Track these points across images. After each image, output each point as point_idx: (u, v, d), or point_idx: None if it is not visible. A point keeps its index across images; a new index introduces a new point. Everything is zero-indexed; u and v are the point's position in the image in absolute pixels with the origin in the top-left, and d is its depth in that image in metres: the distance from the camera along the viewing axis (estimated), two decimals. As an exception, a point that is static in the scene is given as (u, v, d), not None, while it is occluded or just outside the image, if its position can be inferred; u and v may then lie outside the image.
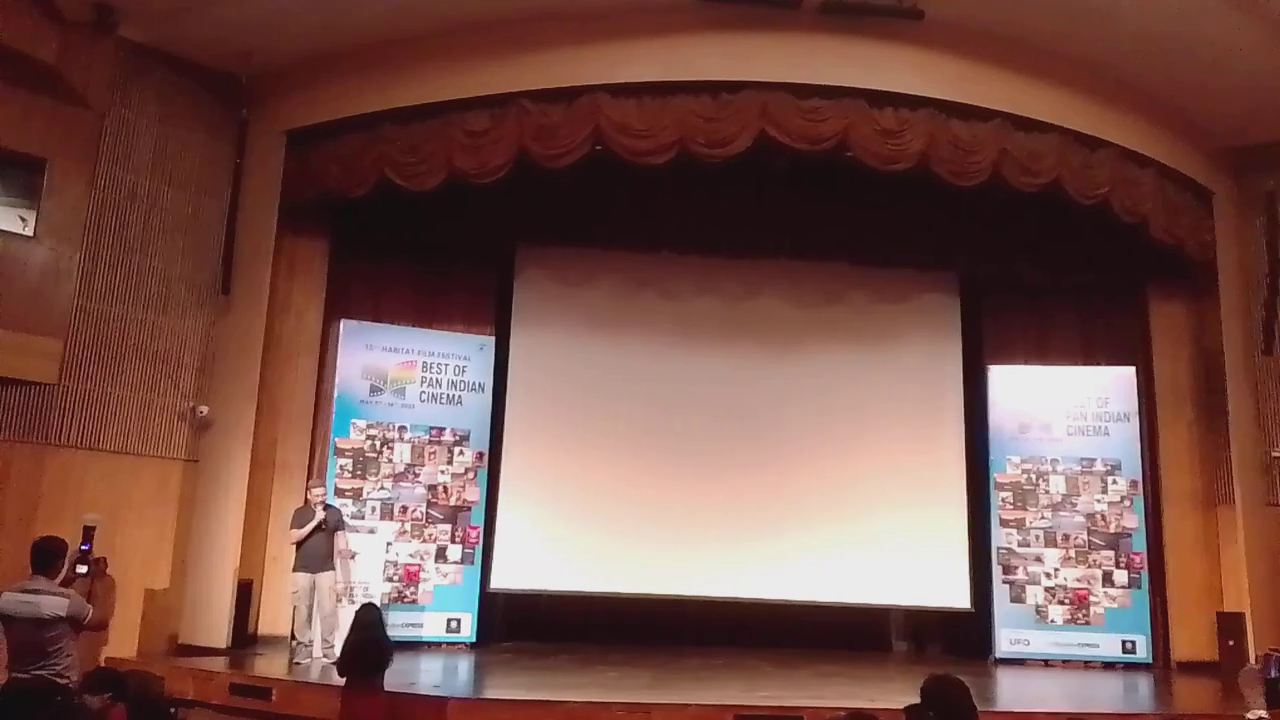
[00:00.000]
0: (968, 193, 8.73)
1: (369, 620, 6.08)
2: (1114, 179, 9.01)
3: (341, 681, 6.17)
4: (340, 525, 8.60)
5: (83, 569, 5.53)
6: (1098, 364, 10.61)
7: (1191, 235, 9.67)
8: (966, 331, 10.80)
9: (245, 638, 8.73)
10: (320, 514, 8.37)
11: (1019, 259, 10.28)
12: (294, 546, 8.40)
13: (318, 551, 8.33)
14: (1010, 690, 8.52)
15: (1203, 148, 9.92)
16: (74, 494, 8.31)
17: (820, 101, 8.36)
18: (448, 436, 9.86)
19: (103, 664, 7.61)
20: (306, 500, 8.62)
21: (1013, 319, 10.92)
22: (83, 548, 6.92)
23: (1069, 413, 10.37)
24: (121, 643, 8.33)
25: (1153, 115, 9.41)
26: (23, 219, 8.50)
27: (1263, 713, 3.67)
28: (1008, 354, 10.79)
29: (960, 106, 8.53)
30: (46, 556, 5.11)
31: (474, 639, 9.53)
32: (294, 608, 8.41)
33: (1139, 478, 10.15)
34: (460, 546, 9.68)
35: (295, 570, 8.35)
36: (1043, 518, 10.16)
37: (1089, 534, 10.07)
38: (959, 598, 10.15)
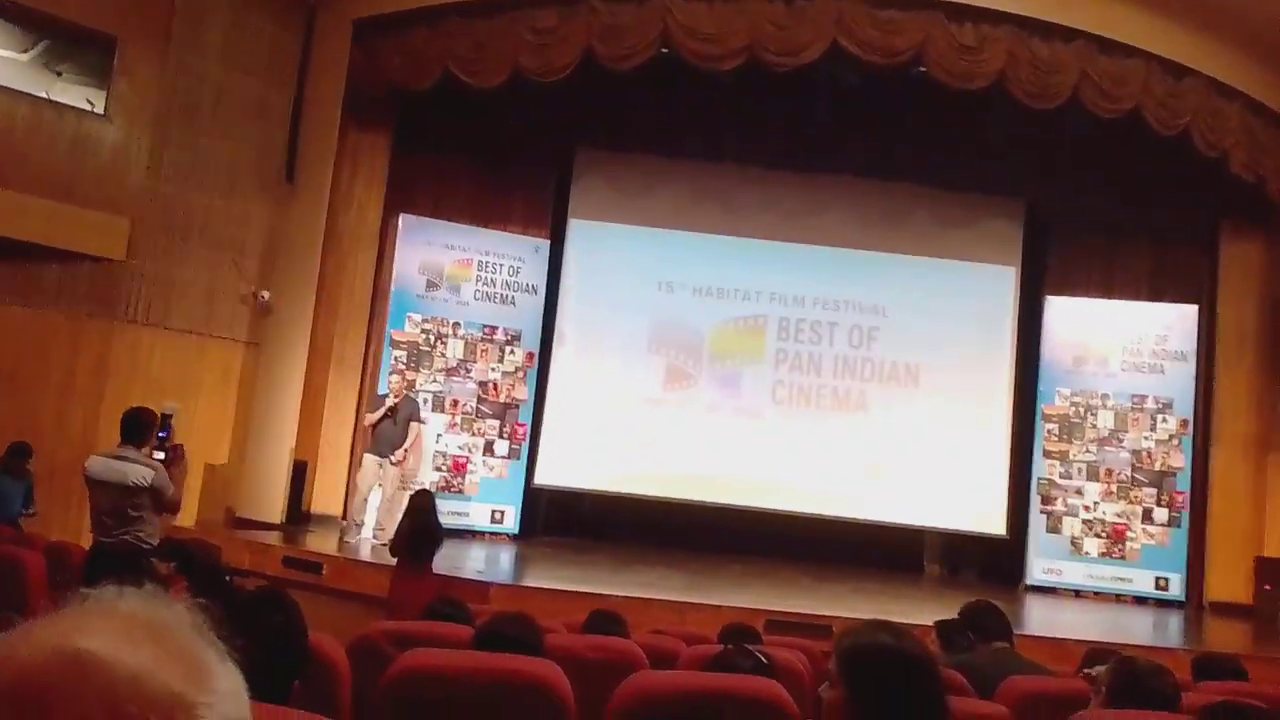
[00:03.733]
0: (1040, 117, 8.48)
1: (423, 506, 6.28)
2: (1198, 109, 8.68)
3: (392, 562, 6.44)
4: (413, 415, 8.81)
5: (160, 455, 5.69)
6: (1162, 301, 10.39)
7: (1275, 173, 9.32)
8: (1028, 260, 10.61)
9: (299, 515, 9.08)
10: (391, 400, 8.61)
11: (1089, 188, 10.02)
12: (369, 430, 8.67)
13: (388, 437, 8.59)
14: (1040, 617, 8.63)
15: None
16: (142, 369, 8.61)
17: (896, 13, 8.12)
18: (500, 335, 10.01)
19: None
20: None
21: (1078, 250, 10.67)
22: (160, 435, 7.19)
23: (1126, 348, 10.22)
24: (181, 513, 8.71)
25: (1244, 45, 8.98)
26: (90, 101, 8.61)
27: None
28: (1069, 285, 10.59)
29: (1043, 24, 8.23)
30: (136, 427, 5.18)
31: (517, 531, 9.85)
32: (355, 487, 8.71)
33: (1190, 418, 10.04)
34: (508, 442, 9.92)
35: (367, 452, 8.64)
36: (1087, 451, 10.12)
37: (1133, 470, 10.03)
38: (995, 524, 10.22)
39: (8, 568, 4.61)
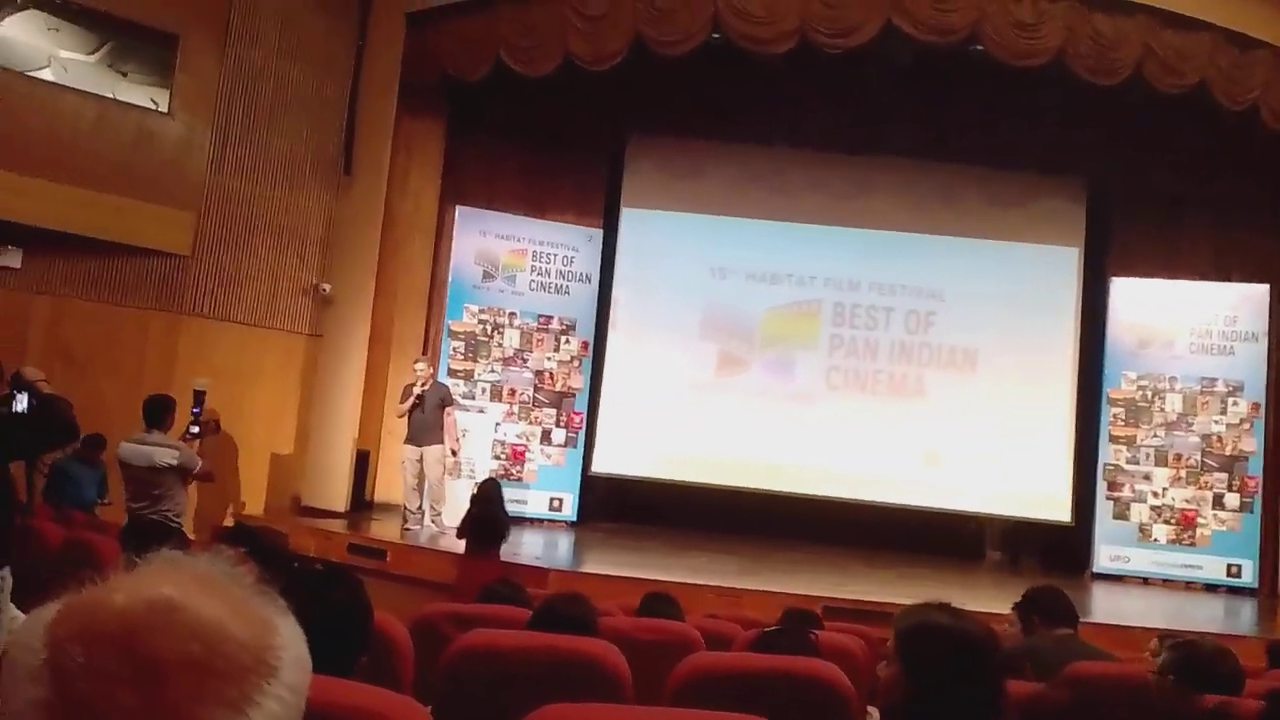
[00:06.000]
0: (1099, 93, 8.27)
1: (491, 495, 6.38)
2: (1266, 82, 8.38)
3: (456, 548, 6.54)
4: (445, 402, 8.73)
5: (195, 430, 5.95)
6: (1230, 280, 10.08)
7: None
8: (1090, 240, 10.36)
9: (362, 503, 9.26)
10: (417, 390, 8.55)
11: (1152, 165, 9.76)
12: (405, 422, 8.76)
13: (422, 426, 8.56)
14: (1107, 605, 8.46)
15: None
16: (206, 361, 8.81)
17: (952, -11, 7.97)
18: (555, 325, 10.08)
19: (231, 522, 8.25)
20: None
21: (1142, 229, 10.36)
22: (194, 411, 7.44)
23: (1194, 330, 9.93)
24: (250, 501, 8.97)
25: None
26: (154, 101, 8.81)
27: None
28: (1133, 265, 10.29)
29: (1104, -2, 8.02)
30: (158, 411, 5.58)
31: (575, 518, 9.92)
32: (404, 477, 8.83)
33: (1262, 400, 9.74)
34: (564, 430, 10.00)
35: (404, 443, 8.73)
36: (1155, 436, 9.87)
37: (1203, 455, 9.75)
38: (1059, 511, 10.03)
39: (84, 552, 4.79)
